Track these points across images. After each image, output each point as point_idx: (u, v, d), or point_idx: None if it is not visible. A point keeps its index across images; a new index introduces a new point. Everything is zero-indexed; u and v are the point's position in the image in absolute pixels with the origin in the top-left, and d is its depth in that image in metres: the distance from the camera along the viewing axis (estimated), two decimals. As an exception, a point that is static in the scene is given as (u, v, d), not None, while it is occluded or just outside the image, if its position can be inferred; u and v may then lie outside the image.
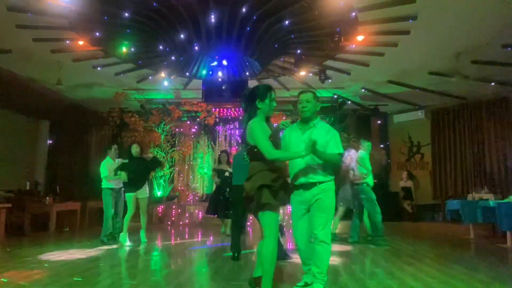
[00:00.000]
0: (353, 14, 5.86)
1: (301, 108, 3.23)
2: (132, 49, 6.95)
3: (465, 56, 7.28)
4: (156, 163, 7.10)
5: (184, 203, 10.80)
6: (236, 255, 5.04)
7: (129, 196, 6.37)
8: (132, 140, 10.36)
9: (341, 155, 3.20)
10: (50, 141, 11.81)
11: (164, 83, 8.88)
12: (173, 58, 6.95)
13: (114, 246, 6.15)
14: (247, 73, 7.48)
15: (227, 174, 7.34)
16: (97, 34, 6.55)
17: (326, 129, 3.24)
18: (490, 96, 9.73)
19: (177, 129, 11.22)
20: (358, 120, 11.71)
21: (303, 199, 3.18)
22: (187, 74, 7.75)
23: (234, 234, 5.21)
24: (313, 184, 3.12)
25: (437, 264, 4.65)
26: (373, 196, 6.26)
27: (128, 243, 6.24)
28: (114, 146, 7.01)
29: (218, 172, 7.61)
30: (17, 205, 7.54)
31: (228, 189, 7.18)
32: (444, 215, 8.51)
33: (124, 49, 6.85)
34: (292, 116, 10.91)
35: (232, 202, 5.69)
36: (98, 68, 8.09)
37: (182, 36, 6.29)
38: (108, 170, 6.57)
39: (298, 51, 7.26)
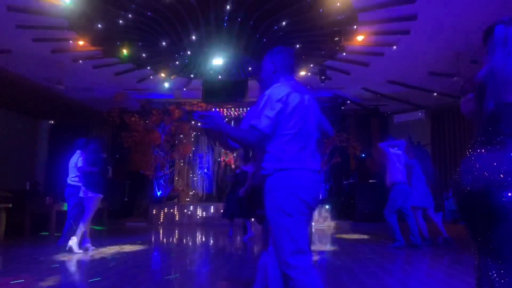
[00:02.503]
0: (353, 14, 5.86)
1: None
2: (134, 50, 6.96)
3: (465, 56, 7.28)
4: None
5: (184, 203, 10.80)
6: None
7: (99, 198, 5.71)
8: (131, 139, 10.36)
9: (255, 128, 2.03)
10: (50, 141, 11.81)
11: (164, 83, 8.87)
12: (174, 58, 6.96)
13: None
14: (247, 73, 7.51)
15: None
16: (99, 34, 6.53)
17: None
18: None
19: (176, 129, 11.23)
20: (358, 120, 11.71)
21: None
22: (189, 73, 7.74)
23: None
24: (263, 177, 2.15)
25: (437, 264, 4.65)
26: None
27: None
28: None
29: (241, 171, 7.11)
30: (17, 205, 7.53)
31: (238, 188, 7.00)
32: (444, 215, 8.49)
33: (124, 52, 6.86)
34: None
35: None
36: (100, 68, 8.08)
37: (183, 37, 6.29)
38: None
39: (297, 50, 7.25)
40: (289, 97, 2.08)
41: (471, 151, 1.82)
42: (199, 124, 2.20)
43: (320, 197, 2.19)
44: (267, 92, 2.10)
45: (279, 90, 2.10)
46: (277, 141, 2.06)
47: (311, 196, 2.03)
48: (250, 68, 7.40)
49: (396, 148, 6.30)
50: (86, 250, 5.60)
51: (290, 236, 1.96)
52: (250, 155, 7.55)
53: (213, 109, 10.70)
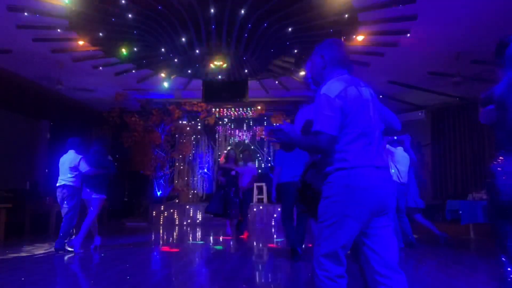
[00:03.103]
0: (353, 14, 5.86)
1: None
2: (134, 50, 6.98)
3: (465, 56, 7.28)
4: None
5: (184, 203, 10.81)
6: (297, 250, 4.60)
7: (104, 199, 5.71)
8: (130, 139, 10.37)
9: (321, 132, 1.86)
10: (50, 141, 11.81)
11: (164, 83, 8.88)
12: (175, 59, 6.95)
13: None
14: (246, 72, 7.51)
15: (233, 173, 7.18)
16: (99, 34, 6.53)
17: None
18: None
19: (176, 129, 11.24)
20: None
21: None
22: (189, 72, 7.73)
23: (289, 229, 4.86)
24: (324, 176, 2.04)
25: (437, 264, 4.65)
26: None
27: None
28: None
29: (224, 171, 7.31)
30: (17, 205, 7.53)
31: (234, 189, 7.07)
32: (444, 215, 8.49)
33: (124, 52, 6.87)
34: (292, 116, 10.94)
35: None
36: (100, 68, 8.08)
37: (183, 37, 6.29)
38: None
39: (297, 50, 7.25)
40: (347, 92, 1.90)
41: (502, 159, 1.86)
42: (271, 139, 2.06)
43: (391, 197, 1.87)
44: (322, 90, 1.94)
45: (334, 86, 1.93)
46: (342, 140, 1.88)
47: (373, 198, 1.82)
48: (246, 71, 7.41)
49: (402, 143, 6.21)
50: (95, 248, 5.66)
51: (332, 237, 1.81)
52: (244, 158, 7.67)
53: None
